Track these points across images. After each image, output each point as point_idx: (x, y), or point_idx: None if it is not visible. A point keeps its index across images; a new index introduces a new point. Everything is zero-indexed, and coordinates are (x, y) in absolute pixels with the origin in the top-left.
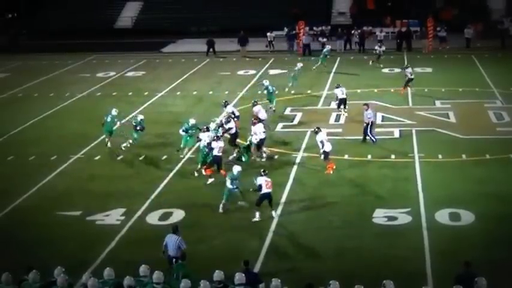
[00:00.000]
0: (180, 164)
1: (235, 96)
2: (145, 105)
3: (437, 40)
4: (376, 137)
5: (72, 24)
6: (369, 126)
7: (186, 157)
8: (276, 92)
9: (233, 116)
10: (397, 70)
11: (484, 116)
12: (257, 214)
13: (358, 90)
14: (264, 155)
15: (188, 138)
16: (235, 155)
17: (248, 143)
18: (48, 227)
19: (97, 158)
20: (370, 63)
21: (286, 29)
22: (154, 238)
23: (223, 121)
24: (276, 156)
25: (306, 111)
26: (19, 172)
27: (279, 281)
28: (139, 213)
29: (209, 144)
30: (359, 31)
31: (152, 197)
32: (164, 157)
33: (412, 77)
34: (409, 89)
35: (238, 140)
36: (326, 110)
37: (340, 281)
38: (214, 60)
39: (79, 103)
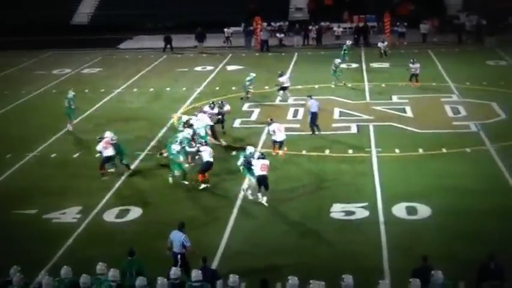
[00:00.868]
0: (137, 162)
1: (193, 93)
2: (101, 102)
3: (395, 35)
4: (318, 129)
5: (28, 20)
6: (312, 117)
7: (143, 154)
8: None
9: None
10: (354, 65)
11: (440, 110)
12: (259, 195)
13: (316, 86)
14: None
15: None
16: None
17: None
18: (4, 225)
19: (53, 155)
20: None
21: (243, 25)
22: (112, 236)
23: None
24: (234, 152)
25: (263, 107)
26: None
27: (237, 277)
28: (96, 211)
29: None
30: (316, 27)
31: (109, 194)
32: None
33: (417, 72)
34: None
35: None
36: (284, 106)
37: (299, 277)
38: (171, 57)
39: (35, 101)
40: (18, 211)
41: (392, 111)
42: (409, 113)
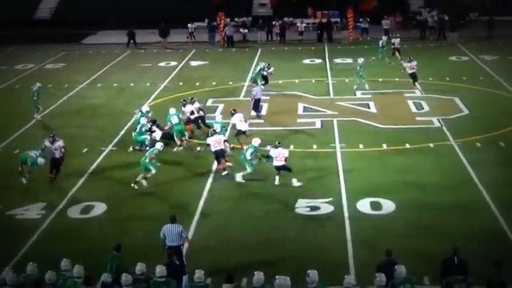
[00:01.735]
0: (101, 157)
1: (156, 88)
2: (65, 97)
3: (358, 31)
4: (259, 113)
5: None
6: (253, 102)
7: (109, 149)
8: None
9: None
10: (318, 61)
11: (403, 105)
12: (293, 180)
13: (280, 81)
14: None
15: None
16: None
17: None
18: None
19: (16, 152)
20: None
21: (207, 20)
22: (76, 232)
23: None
24: (198, 148)
25: (227, 102)
26: None
27: (203, 272)
28: (60, 207)
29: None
30: (280, 22)
31: (73, 190)
32: (85, 150)
33: (414, 70)
34: (330, 80)
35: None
36: (248, 101)
37: (265, 272)
38: (135, 52)
39: None
40: None
41: (356, 107)
42: (372, 109)
